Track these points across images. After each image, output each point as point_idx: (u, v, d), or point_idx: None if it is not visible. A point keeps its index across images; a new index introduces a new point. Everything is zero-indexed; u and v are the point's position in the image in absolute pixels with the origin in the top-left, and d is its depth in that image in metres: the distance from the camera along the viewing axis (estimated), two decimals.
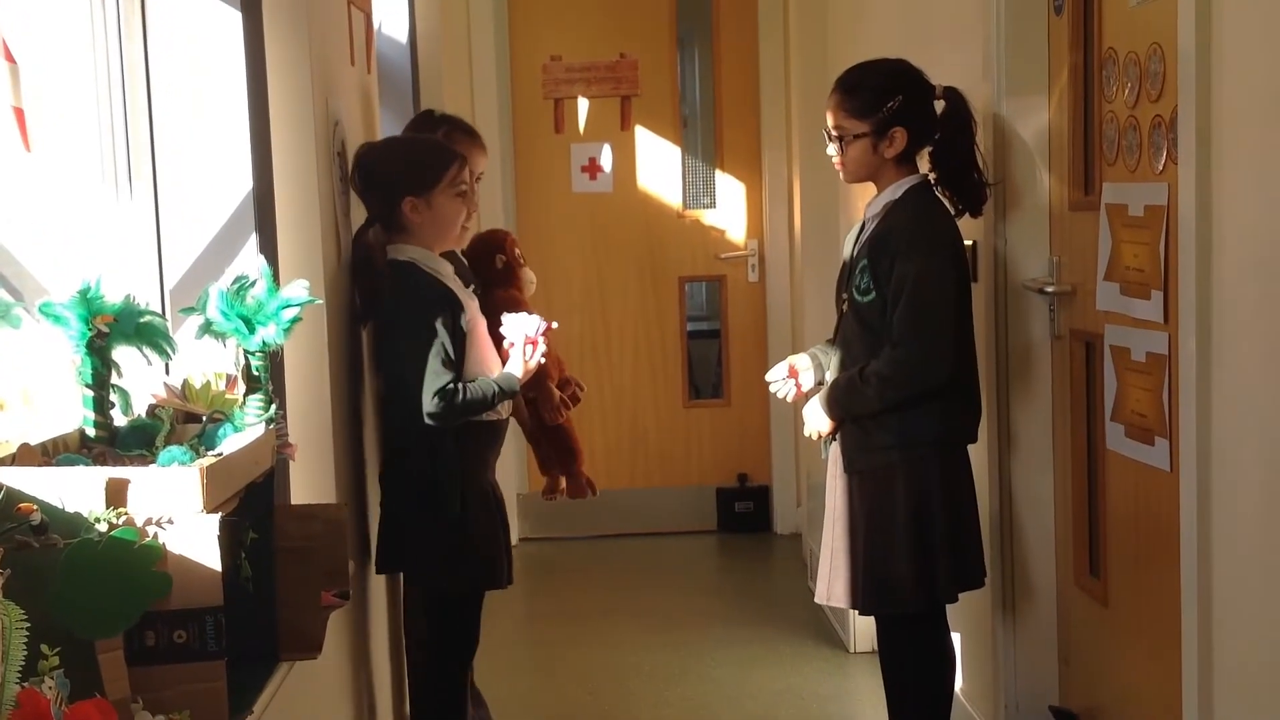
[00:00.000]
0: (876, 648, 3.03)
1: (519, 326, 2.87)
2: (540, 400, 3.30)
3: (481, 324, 2.88)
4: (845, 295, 2.90)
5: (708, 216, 5.60)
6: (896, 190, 2.85)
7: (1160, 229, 2.39)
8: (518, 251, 3.39)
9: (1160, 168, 2.43)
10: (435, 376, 2.72)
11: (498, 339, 2.91)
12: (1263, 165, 1.93)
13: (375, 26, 3.57)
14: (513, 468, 5.37)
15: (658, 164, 5.55)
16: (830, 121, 2.89)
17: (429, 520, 2.78)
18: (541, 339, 2.87)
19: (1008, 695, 3.10)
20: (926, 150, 2.89)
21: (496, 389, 2.79)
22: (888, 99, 2.81)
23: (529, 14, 5.47)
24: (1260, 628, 1.97)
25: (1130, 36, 2.56)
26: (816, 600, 3.00)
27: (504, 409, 2.92)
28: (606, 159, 5.47)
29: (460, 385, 2.75)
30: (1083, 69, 2.82)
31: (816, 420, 2.91)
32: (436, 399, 2.72)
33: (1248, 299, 1.97)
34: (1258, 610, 1.97)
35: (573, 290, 5.47)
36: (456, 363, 2.76)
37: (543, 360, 2.90)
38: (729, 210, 5.60)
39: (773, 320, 5.56)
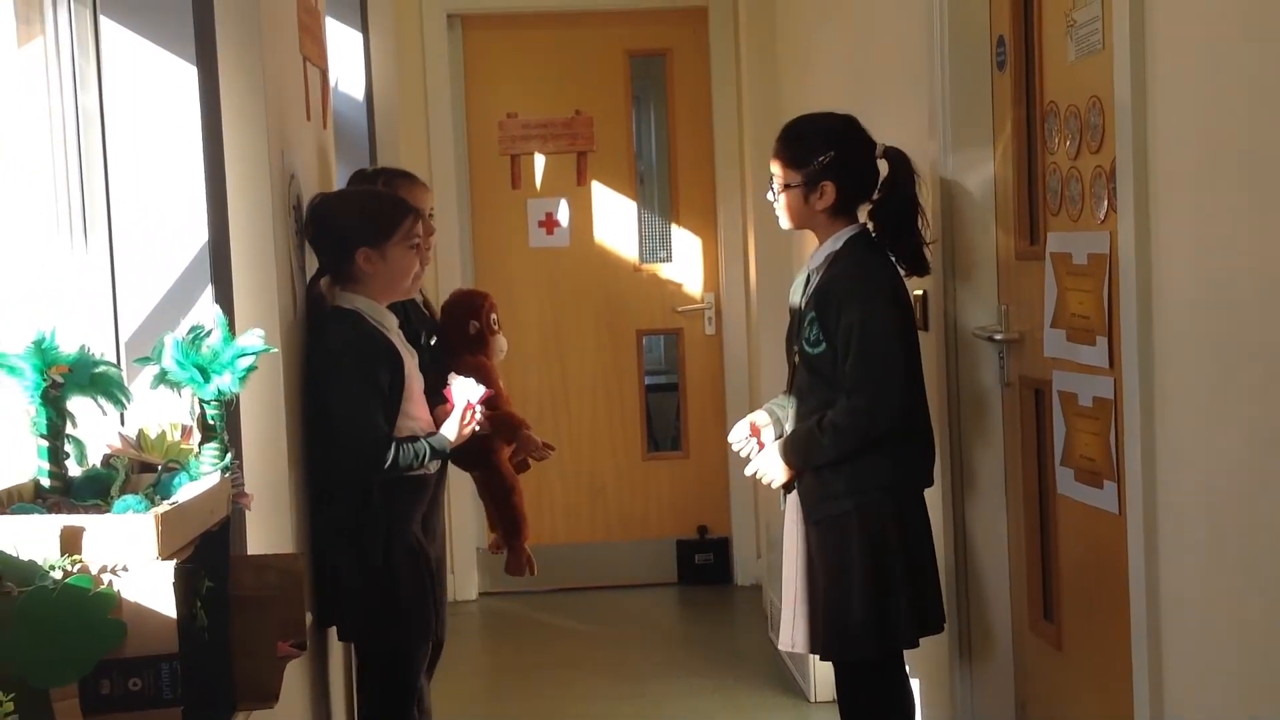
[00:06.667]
0: (836, 696, 3.04)
1: (465, 391, 2.89)
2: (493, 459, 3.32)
3: (418, 381, 2.89)
4: (796, 347, 2.94)
5: (664, 270, 5.64)
6: (836, 241, 2.91)
7: (1103, 276, 2.45)
8: (494, 318, 3.42)
9: (1102, 217, 2.49)
10: (370, 430, 2.73)
11: (443, 397, 2.92)
12: (1198, 212, 1.98)
13: (332, 83, 3.60)
14: (472, 523, 5.35)
15: (614, 219, 5.59)
16: (771, 168, 2.95)
17: (355, 573, 2.77)
18: (479, 407, 2.90)
19: None
20: (867, 205, 2.95)
21: (428, 449, 2.80)
22: (819, 153, 2.86)
23: (485, 71, 5.52)
24: (1208, 666, 2.00)
25: (1070, 90, 2.63)
26: (780, 648, 3.01)
27: (432, 466, 2.91)
28: (563, 214, 5.51)
29: (394, 442, 2.75)
30: (1025, 122, 2.89)
31: (773, 470, 2.94)
32: (369, 453, 2.73)
33: (1188, 342, 2.02)
34: (1205, 649, 2.00)
35: (530, 344, 5.49)
36: (390, 418, 2.77)
37: (477, 429, 2.92)
38: (685, 264, 5.64)
39: (730, 372, 5.59)
